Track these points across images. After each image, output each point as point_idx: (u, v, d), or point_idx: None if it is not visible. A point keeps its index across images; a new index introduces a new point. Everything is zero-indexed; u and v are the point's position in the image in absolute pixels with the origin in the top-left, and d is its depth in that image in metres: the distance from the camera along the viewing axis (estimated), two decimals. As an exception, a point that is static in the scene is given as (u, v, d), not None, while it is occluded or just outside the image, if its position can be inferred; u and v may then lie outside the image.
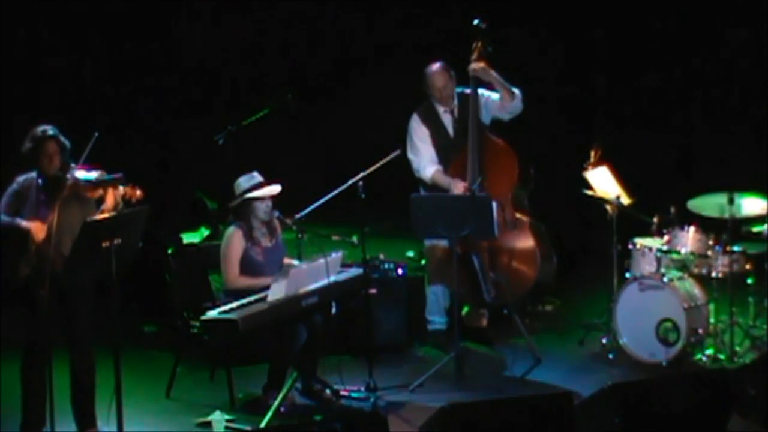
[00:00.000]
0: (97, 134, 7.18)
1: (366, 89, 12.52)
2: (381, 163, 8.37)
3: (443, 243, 8.94)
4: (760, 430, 7.08)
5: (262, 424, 7.53)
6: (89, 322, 7.40)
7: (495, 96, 9.07)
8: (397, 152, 8.53)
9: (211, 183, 10.43)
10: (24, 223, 7.20)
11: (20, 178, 7.35)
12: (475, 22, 9.10)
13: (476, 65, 9.00)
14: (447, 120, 9.17)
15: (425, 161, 9.08)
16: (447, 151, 9.10)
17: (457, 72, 9.11)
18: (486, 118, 9.13)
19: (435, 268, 9.19)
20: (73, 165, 7.28)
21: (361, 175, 8.26)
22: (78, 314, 7.36)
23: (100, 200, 7.30)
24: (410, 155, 9.12)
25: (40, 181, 7.30)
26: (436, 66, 9.12)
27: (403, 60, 12.15)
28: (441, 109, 9.16)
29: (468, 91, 9.06)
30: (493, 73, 9.00)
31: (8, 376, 8.11)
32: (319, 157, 12.26)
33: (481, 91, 9.07)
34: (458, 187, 8.87)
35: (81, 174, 7.26)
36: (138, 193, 7.31)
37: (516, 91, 9.04)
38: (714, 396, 6.71)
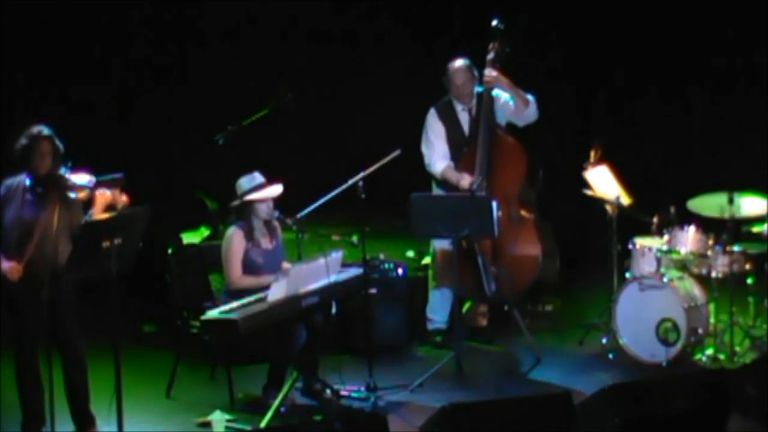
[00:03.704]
0: (70, 163, 7.22)
1: (367, 89, 12.52)
2: (381, 163, 8.37)
3: (450, 245, 8.92)
4: (760, 430, 7.08)
5: (262, 424, 7.54)
6: (75, 318, 7.40)
7: (511, 102, 9.06)
8: (398, 152, 8.51)
9: (211, 183, 10.44)
10: (2, 264, 7.19)
11: (8, 181, 7.34)
12: (495, 22, 9.08)
13: (490, 75, 8.98)
14: (463, 118, 9.18)
15: (437, 156, 9.10)
16: (460, 148, 9.11)
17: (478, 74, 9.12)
18: (501, 119, 9.13)
19: (442, 270, 9.18)
20: (65, 170, 7.28)
21: (361, 175, 8.26)
22: (64, 311, 7.36)
23: (88, 203, 7.31)
24: (424, 149, 9.17)
25: (27, 181, 7.28)
26: (458, 63, 9.12)
27: (405, 59, 12.17)
28: (459, 107, 9.17)
29: (484, 90, 9.06)
30: (508, 81, 9.00)
31: (9, 375, 8.11)
32: (319, 157, 12.26)
33: (497, 92, 9.07)
34: (465, 181, 8.87)
35: (78, 179, 7.27)
36: (124, 198, 7.31)
37: (531, 99, 9.04)
38: (714, 396, 6.72)
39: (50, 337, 7.37)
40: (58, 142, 7.31)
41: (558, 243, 9.23)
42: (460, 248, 8.62)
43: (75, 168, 7.30)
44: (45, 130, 7.29)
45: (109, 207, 7.25)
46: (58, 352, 7.43)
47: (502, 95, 9.08)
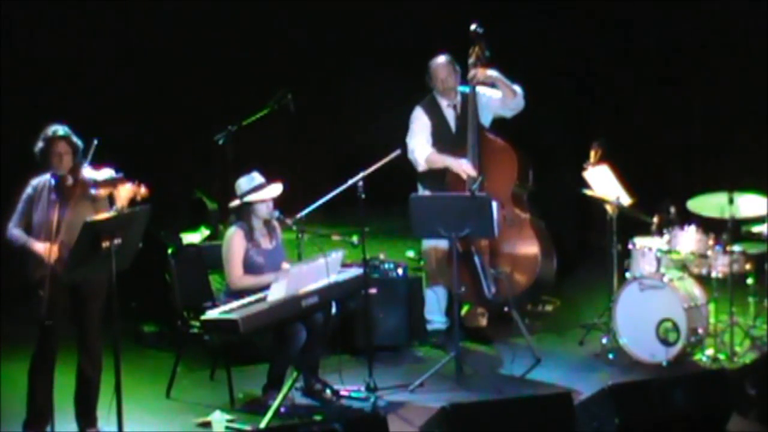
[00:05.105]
0: (96, 140, 7.22)
1: (366, 88, 12.52)
2: (381, 163, 8.37)
3: (442, 244, 8.95)
4: (760, 430, 7.09)
5: (262, 424, 7.54)
6: (99, 320, 7.41)
7: (496, 95, 9.07)
8: (398, 152, 8.53)
9: (211, 183, 10.44)
10: (36, 246, 7.22)
11: (34, 181, 7.40)
12: (473, 26, 9.09)
13: (475, 73, 9.00)
14: (450, 114, 9.19)
15: (421, 143, 9.06)
16: (447, 145, 9.10)
17: (460, 69, 9.12)
18: (486, 119, 9.14)
19: (435, 269, 9.20)
20: (86, 166, 7.31)
21: (361, 175, 8.26)
22: (89, 311, 7.37)
23: (113, 199, 7.34)
24: (407, 140, 9.12)
25: (52, 181, 7.33)
26: (440, 58, 9.14)
27: (404, 59, 12.15)
28: (444, 103, 9.18)
29: (468, 91, 9.07)
30: (494, 73, 9.01)
31: (9, 375, 8.12)
32: (319, 157, 12.26)
33: (481, 90, 9.07)
34: (461, 165, 8.86)
35: (87, 174, 7.29)
36: (143, 190, 7.33)
37: (517, 88, 9.05)
38: (714, 396, 6.73)
39: (67, 337, 7.38)
40: (75, 140, 7.34)
41: (557, 243, 9.23)
42: (457, 252, 8.60)
43: (95, 164, 7.32)
44: (60, 130, 7.32)
45: (133, 199, 7.29)
46: (77, 348, 7.43)
47: (486, 93, 9.09)
